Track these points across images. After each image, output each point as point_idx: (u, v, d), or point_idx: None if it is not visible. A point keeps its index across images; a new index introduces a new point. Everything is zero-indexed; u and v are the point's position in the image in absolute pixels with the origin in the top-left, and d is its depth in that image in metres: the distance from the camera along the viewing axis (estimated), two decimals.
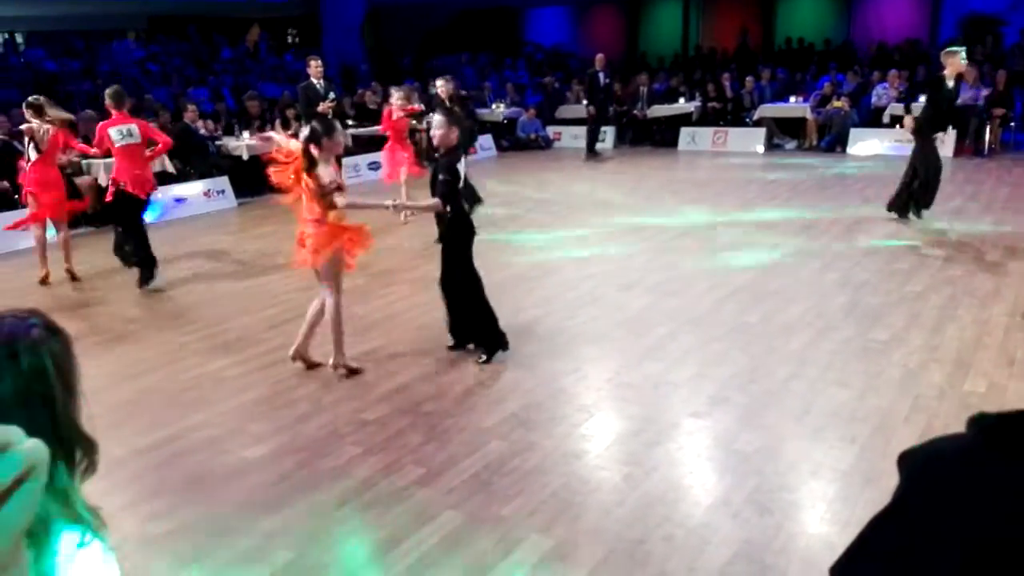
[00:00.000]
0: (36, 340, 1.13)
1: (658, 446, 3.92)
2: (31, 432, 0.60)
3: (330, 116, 10.07)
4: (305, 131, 4.67)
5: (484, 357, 5.06)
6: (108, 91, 7.08)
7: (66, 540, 1.12)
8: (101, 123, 7.01)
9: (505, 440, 4.01)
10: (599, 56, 14.05)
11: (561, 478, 3.64)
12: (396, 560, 3.06)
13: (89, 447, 1.16)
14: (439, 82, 9.61)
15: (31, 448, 0.58)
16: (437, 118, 4.91)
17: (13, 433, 0.57)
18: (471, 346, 5.20)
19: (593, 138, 14.16)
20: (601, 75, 13.80)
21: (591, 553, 3.07)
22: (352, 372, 4.90)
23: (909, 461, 0.90)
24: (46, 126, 7.12)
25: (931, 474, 0.88)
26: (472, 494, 3.51)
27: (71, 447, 1.15)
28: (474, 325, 5.12)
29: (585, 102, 15.85)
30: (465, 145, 5.36)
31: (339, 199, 4.60)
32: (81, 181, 9.65)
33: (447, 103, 8.90)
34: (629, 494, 3.48)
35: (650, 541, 3.13)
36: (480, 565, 3.02)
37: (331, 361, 4.91)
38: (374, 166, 10.40)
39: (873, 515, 0.92)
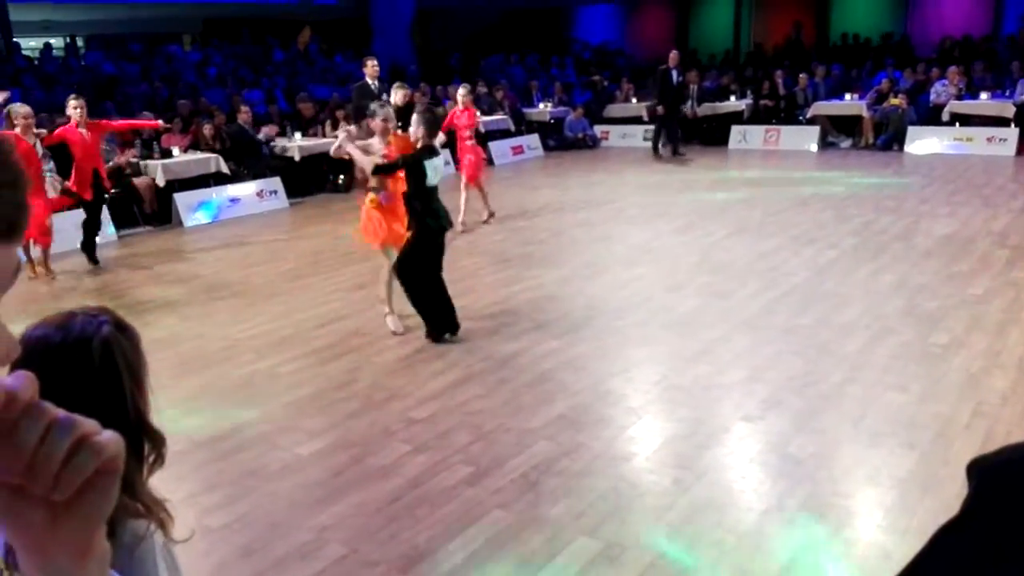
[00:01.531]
0: (107, 337, 1.17)
1: (708, 450, 3.87)
2: (104, 426, 0.62)
3: None
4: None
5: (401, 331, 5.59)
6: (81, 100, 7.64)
7: (129, 531, 1.15)
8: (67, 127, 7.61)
9: (553, 441, 4.00)
10: (673, 53, 13.86)
11: (609, 480, 3.62)
12: (444, 559, 3.08)
13: (158, 440, 1.19)
14: (461, 91, 9.52)
15: (110, 439, 0.59)
16: (413, 116, 5.47)
17: (92, 425, 0.59)
18: (449, 336, 5.46)
19: (658, 137, 13.97)
20: (674, 72, 13.61)
21: (640, 557, 3.04)
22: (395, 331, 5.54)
23: (979, 469, 0.87)
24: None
25: (1004, 483, 0.85)
26: (520, 494, 3.51)
27: (139, 440, 1.18)
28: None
29: (635, 99, 15.78)
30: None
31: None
32: (139, 181, 9.91)
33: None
34: (679, 497, 3.44)
35: (700, 546, 3.09)
36: (527, 565, 3.02)
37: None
38: None
39: (940, 525, 0.89)
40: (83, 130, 7.51)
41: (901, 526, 3.16)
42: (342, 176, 11.98)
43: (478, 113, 9.40)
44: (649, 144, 15.08)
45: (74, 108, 7.51)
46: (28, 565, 0.60)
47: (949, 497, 3.29)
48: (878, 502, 3.36)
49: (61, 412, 0.58)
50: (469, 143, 9.06)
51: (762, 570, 2.93)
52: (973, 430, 3.89)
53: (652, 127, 15.29)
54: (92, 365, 1.14)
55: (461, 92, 9.47)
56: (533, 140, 15.21)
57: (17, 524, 0.59)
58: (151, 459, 1.19)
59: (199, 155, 10.67)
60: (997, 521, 0.81)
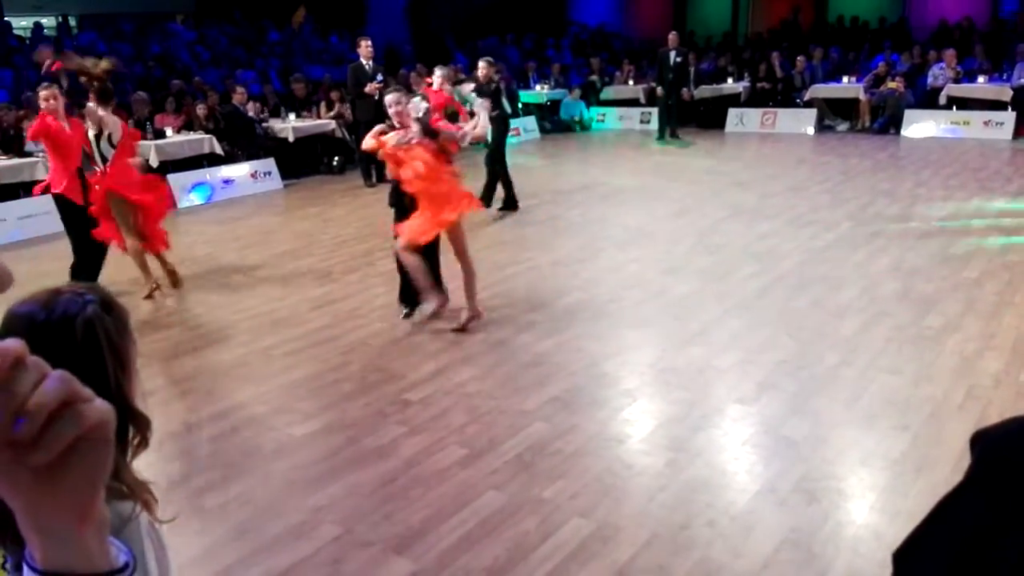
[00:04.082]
0: (90, 316, 1.15)
1: (702, 431, 3.87)
2: None
3: (376, 97, 10.13)
4: (419, 113, 4.97)
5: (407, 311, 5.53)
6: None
7: (115, 512, 1.14)
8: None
9: (547, 423, 4.00)
10: (672, 35, 13.79)
11: (603, 462, 3.62)
12: (438, 540, 3.09)
13: (142, 423, 1.18)
14: (480, 63, 9.41)
15: (97, 408, 0.60)
16: (393, 96, 5.22)
17: (83, 392, 0.59)
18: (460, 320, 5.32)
19: (664, 121, 13.90)
20: (672, 53, 13.54)
21: (633, 537, 3.06)
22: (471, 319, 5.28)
23: (982, 441, 0.87)
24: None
25: (1005, 452, 0.84)
26: (514, 476, 3.52)
27: (124, 423, 1.16)
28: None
29: (631, 82, 15.64)
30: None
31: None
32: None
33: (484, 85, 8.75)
34: (672, 479, 3.45)
35: (693, 527, 3.11)
36: (521, 546, 3.03)
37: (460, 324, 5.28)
38: None
39: (940, 498, 0.89)
40: (64, 122, 6.11)
41: (894, 507, 3.17)
42: (336, 158, 11.92)
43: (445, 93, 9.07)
44: (646, 126, 15.03)
45: (44, 99, 6.03)
46: (26, 527, 0.61)
47: (942, 479, 3.31)
48: (871, 484, 3.38)
49: (55, 370, 0.59)
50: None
51: (755, 551, 2.94)
52: (966, 412, 3.91)
53: (649, 110, 15.23)
54: (75, 344, 1.12)
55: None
56: (529, 122, 15.13)
57: (6, 484, 0.59)
58: (135, 442, 1.18)
59: (192, 136, 10.60)
60: (999, 488, 0.81)
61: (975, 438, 0.86)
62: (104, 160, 6.04)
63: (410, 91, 6.13)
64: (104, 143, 5.99)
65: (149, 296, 6.19)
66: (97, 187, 6.11)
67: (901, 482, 3.36)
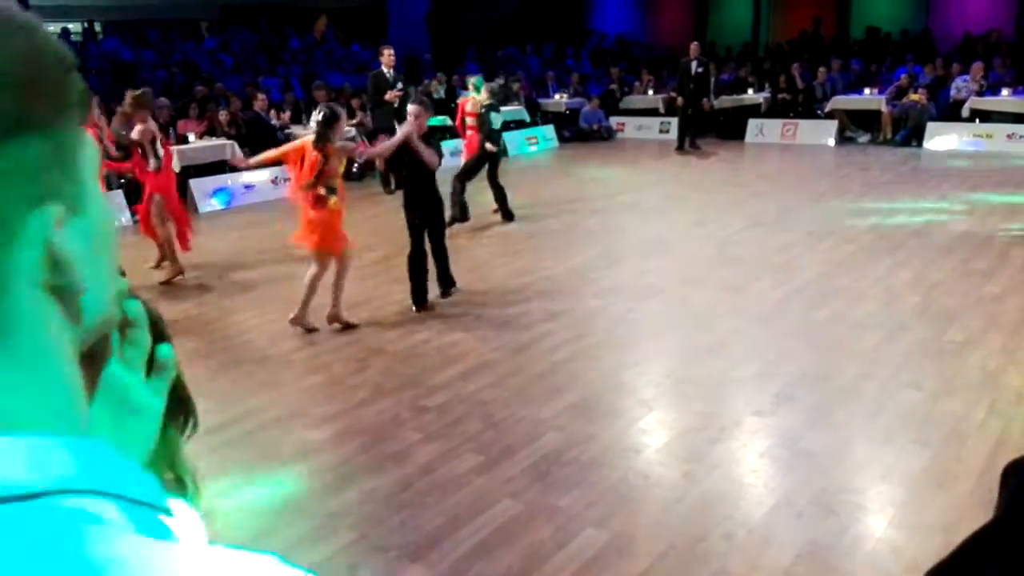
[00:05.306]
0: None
1: (720, 443, 3.85)
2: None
3: (396, 105, 10.20)
4: (318, 115, 5.38)
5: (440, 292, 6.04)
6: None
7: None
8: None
9: (563, 431, 3.99)
10: (693, 45, 13.76)
11: (619, 472, 3.61)
12: (453, 547, 3.09)
13: (191, 406, 1.21)
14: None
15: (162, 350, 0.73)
16: (414, 107, 5.83)
17: (139, 311, 0.72)
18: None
19: (683, 131, 13.88)
20: (694, 64, 13.50)
21: (649, 549, 3.04)
22: (309, 331, 5.48)
23: (1017, 471, 0.86)
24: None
25: None
26: (530, 484, 3.51)
27: (180, 408, 1.18)
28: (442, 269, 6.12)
29: (651, 91, 15.62)
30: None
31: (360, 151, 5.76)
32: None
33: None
34: (689, 491, 3.43)
35: (710, 539, 3.09)
36: (536, 555, 3.02)
37: (291, 315, 5.50)
38: None
39: (975, 529, 0.87)
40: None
41: (912, 523, 3.14)
42: (355, 164, 11.98)
43: (469, 105, 9.20)
44: (665, 136, 15.01)
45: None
46: None
47: (961, 495, 3.27)
48: (890, 498, 3.34)
49: None
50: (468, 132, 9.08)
51: (771, 565, 2.92)
52: (987, 428, 3.86)
53: (668, 119, 15.22)
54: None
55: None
56: (548, 131, 15.16)
57: None
58: (189, 425, 1.21)
59: (215, 141, 10.70)
60: None
61: (1007, 471, 0.85)
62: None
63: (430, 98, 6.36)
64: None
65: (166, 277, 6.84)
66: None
67: (920, 498, 3.32)
